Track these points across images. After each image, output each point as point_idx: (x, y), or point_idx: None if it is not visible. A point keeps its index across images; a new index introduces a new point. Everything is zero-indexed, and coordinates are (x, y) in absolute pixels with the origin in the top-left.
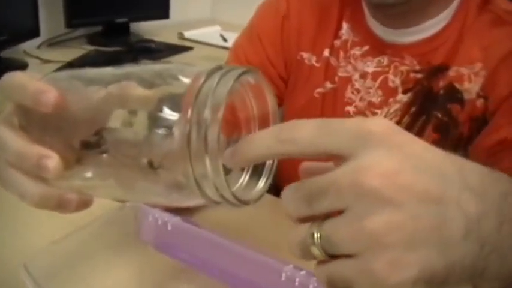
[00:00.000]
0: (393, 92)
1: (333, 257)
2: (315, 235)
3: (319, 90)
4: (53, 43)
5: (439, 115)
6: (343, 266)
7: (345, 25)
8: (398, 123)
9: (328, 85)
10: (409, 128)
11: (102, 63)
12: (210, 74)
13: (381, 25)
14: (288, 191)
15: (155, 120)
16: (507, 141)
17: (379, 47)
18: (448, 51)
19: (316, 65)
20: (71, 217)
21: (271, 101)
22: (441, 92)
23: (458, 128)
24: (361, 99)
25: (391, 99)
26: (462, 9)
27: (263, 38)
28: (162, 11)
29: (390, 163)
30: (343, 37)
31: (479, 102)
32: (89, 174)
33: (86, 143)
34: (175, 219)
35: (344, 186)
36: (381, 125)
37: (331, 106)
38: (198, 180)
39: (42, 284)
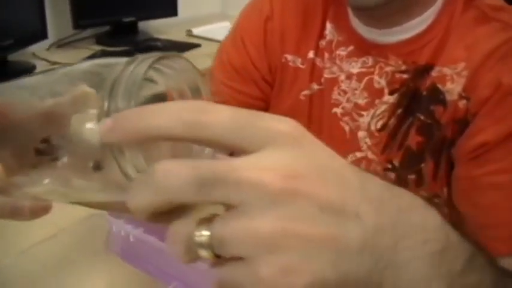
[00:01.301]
0: (379, 93)
1: (226, 258)
2: (203, 233)
3: (305, 92)
4: (62, 44)
5: (422, 117)
6: (234, 269)
7: (328, 25)
8: (385, 125)
9: (315, 86)
10: (395, 130)
11: None
12: (127, 63)
13: (364, 25)
14: (178, 166)
15: (84, 119)
16: (489, 144)
17: (363, 47)
18: (433, 50)
19: (302, 66)
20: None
21: (202, 84)
22: (424, 93)
23: (441, 130)
24: (347, 100)
25: (377, 101)
26: (448, 7)
27: (246, 40)
28: (169, 8)
29: (294, 166)
30: (328, 37)
31: (462, 104)
32: (43, 181)
33: (37, 150)
34: (136, 231)
35: (244, 181)
36: (292, 126)
37: (318, 108)
38: (125, 173)
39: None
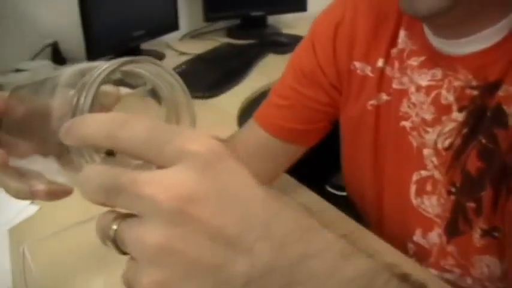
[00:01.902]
0: (446, 109)
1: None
2: (113, 227)
3: (373, 102)
4: (194, 35)
5: (484, 141)
6: (128, 268)
7: (402, 33)
8: (452, 144)
9: (384, 97)
10: (460, 150)
11: (229, 55)
12: (98, 68)
13: (433, 35)
14: (92, 172)
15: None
16: None
17: (434, 58)
18: (505, 65)
19: (371, 75)
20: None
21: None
22: (488, 113)
23: (502, 157)
24: (416, 114)
25: (444, 117)
26: None
27: (316, 45)
28: (299, 3)
29: (196, 189)
30: (400, 46)
31: None
32: (45, 165)
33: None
34: None
35: (145, 195)
36: (207, 146)
37: (385, 119)
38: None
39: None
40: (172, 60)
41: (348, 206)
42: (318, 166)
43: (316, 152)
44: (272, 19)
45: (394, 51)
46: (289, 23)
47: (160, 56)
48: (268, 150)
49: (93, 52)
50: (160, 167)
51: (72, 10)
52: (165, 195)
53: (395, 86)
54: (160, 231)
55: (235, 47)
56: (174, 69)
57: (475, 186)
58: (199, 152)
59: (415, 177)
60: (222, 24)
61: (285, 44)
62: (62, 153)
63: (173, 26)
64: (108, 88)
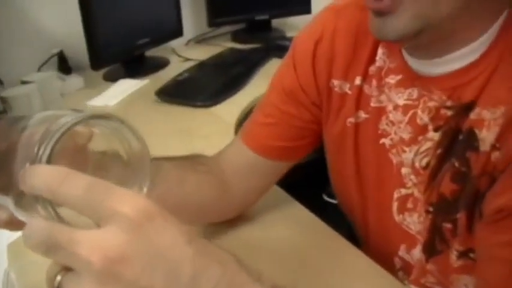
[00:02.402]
0: (422, 129)
1: None
2: (57, 278)
3: (351, 119)
4: (199, 41)
5: (457, 164)
6: None
7: (380, 50)
8: (429, 164)
9: (362, 115)
10: (435, 171)
11: (233, 61)
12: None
13: (408, 54)
14: (35, 227)
15: None
16: (507, 210)
17: (410, 78)
18: (478, 87)
19: (349, 92)
20: None
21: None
22: (461, 137)
23: (474, 181)
24: (395, 132)
25: (420, 137)
26: (501, 38)
27: (297, 63)
28: (303, 6)
29: (125, 250)
30: (378, 63)
31: (494, 156)
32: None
33: None
34: None
35: (78, 255)
36: (137, 208)
37: (364, 137)
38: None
39: None
40: (176, 66)
41: (343, 215)
42: (314, 175)
43: (312, 161)
44: (277, 22)
45: (372, 68)
46: (293, 26)
47: (164, 63)
48: (256, 169)
49: (97, 61)
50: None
51: (77, 19)
52: (97, 257)
53: (373, 104)
54: None
55: (239, 52)
56: (177, 76)
57: (450, 208)
58: (128, 214)
59: (396, 195)
60: (226, 28)
61: (288, 48)
62: (22, 193)
63: (177, 33)
64: (80, 128)
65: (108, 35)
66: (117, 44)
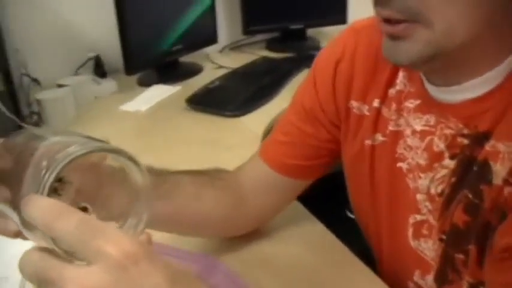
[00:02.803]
0: (438, 156)
1: None
2: None
3: (368, 142)
4: (233, 48)
5: (470, 195)
6: None
7: (401, 74)
8: (443, 191)
9: (379, 137)
10: (449, 200)
11: (266, 70)
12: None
13: (426, 80)
14: (28, 259)
15: None
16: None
17: (428, 104)
18: (494, 117)
19: (367, 114)
20: None
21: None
22: (475, 168)
23: (486, 214)
24: (412, 158)
25: (436, 164)
26: None
27: (317, 81)
28: (338, 16)
29: None
30: (398, 87)
31: (507, 191)
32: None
33: None
34: None
35: None
36: (124, 249)
37: (381, 160)
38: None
39: None
40: (209, 73)
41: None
42: (338, 188)
43: (335, 176)
44: (312, 32)
45: (391, 91)
46: (329, 35)
47: (198, 69)
48: (273, 186)
49: (131, 66)
50: None
51: (114, 24)
52: None
53: (391, 127)
54: None
55: (271, 61)
56: (208, 84)
57: (462, 238)
58: (113, 255)
59: (411, 220)
60: (261, 36)
61: None
62: None
63: (212, 40)
64: (93, 156)
65: (142, 40)
66: (151, 49)
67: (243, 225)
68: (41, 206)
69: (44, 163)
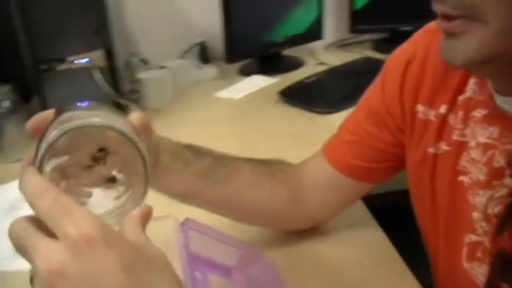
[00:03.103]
0: (498, 173)
1: None
2: (31, 272)
3: (431, 150)
4: (339, 46)
5: None
6: None
7: (471, 80)
8: (500, 213)
9: (443, 147)
10: (502, 222)
11: (365, 70)
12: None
13: (493, 88)
14: (12, 227)
15: None
16: None
17: (494, 115)
18: None
19: (433, 119)
20: None
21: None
22: None
23: None
24: (475, 172)
25: (495, 182)
26: None
27: (386, 83)
28: None
29: (65, 267)
30: (468, 93)
31: None
32: None
33: None
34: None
35: (34, 262)
36: (84, 232)
37: (443, 171)
38: None
39: None
40: (310, 69)
41: None
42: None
43: None
44: None
45: (460, 98)
46: None
47: (299, 64)
48: (333, 184)
49: (232, 54)
50: None
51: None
52: (44, 267)
53: (455, 137)
54: None
55: (373, 62)
56: (304, 79)
57: (510, 267)
58: (72, 235)
59: (467, 240)
60: (368, 36)
61: None
62: None
63: (317, 35)
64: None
65: (246, 30)
66: (254, 40)
67: (298, 221)
68: (27, 183)
69: (46, 134)
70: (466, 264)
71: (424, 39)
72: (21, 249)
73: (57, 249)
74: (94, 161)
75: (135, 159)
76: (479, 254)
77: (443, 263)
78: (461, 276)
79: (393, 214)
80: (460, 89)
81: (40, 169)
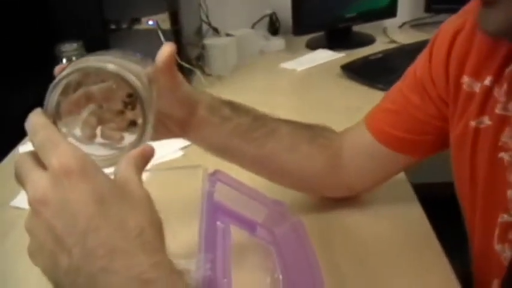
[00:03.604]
0: None
1: None
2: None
3: (473, 123)
4: (413, 25)
5: None
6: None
7: None
8: None
9: (486, 121)
10: None
11: None
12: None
13: None
14: (18, 158)
15: None
16: None
17: None
18: None
19: (478, 91)
20: None
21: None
22: None
23: None
24: None
25: None
26: None
27: (433, 52)
28: None
29: (47, 195)
30: None
31: None
32: None
33: None
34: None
35: (25, 189)
36: (64, 164)
37: (483, 147)
38: None
39: None
40: (380, 46)
41: None
42: None
43: None
44: None
45: (507, 70)
46: None
47: (369, 41)
48: (371, 153)
49: (300, 27)
50: None
51: None
52: (31, 195)
53: (498, 111)
54: (28, 217)
55: None
56: (370, 55)
57: None
58: (54, 166)
59: (500, 219)
60: (444, 16)
61: None
62: None
63: (390, 13)
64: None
65: (317, 3)
66: (323, 14)
67: (334, 188)
68: (29, 121)
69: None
70: (497, 246)
71: (475, 9)
72: (18, 179)
73: (42, 179)
74: (124, 106)
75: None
76: (510, 236)
77: (478, 244)
78: (492, 259)
79: (443, 205)
80: (507, 61)
81: (46, 107)
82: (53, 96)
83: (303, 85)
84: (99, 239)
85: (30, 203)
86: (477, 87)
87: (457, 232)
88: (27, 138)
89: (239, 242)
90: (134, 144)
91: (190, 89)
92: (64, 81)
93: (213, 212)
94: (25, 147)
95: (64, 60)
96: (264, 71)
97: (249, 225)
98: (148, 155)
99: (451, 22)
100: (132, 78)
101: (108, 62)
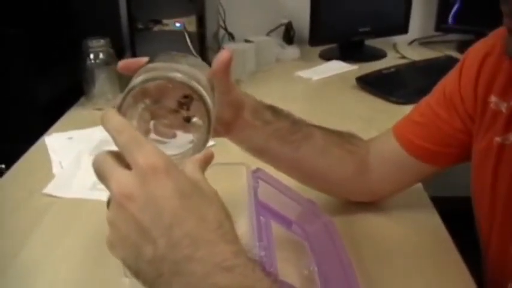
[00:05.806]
0: None
1: None
2: (108, 197)
3: (498, 139)
4: (424, 43)
5: None
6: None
7: None
8: None
9: (511, 138)
10: None
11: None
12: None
13: None
14: (97, 157)
15: None
16: None
17: None
18: None
19: (504, 111)
20: None
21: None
22: None
23: None
24: None
25: None
26: None
27: (463, 71)
28: None
29: (133, 191)
30: None
31: None
32: None
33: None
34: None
35: (110, 187)
36: (150, 163)
37: (508, 162)
38: None
39: None
40: (390, 61)
41: None
42: None
43: None
44: None
45: None
46: None
47: (381, 55)
48: (397, 161)
49: (316, 38)
50: None
51: None
52: (117, 191)
53: None
54: (112, 212)
55: (455, 61)
56: (383, 69)
57: None
58: (143, 166)
59: None
60: (453, 36)
61: None
62: None
63: (402, 29)
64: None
65: (331, 16)
66: (339, 26)
67: (360, 193)
68: (109, 121)
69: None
70: None
71: (502, 35)
72: (100, 176)
73: (128, 176)
74: (179, 106)
75: (202, 111)
76: None
77: (495, 250)
78: (508, 264)
79: (459, 219)
80: None
81: (120, 109)
82: (127, 100)
83: (318, 94)
84: (183, 231)
85: (115, 198)
86: (503, 107)
87: (466, 242)
88: (51, 129)
89: (277, 236)
90: (196, 148)
91: (239, 92)
92: (137, 89)
93: (257, 207)
94: (50, 138)
95: (91, 56)
96: (280, 78)
97: (286, 221)
98: (209, 160)
99: (481, 44)
100: (199, 88)
101: (176, 70)
